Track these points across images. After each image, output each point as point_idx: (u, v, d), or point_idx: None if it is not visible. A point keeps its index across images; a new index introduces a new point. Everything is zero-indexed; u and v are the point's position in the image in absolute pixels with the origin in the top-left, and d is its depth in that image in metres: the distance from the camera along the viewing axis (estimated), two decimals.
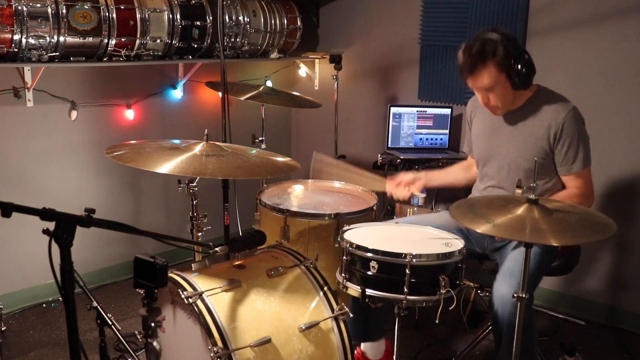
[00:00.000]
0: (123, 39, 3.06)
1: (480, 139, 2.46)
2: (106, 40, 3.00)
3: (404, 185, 2.51)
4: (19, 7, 2.67)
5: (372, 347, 2.52)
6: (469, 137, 2.58)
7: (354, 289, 1.99)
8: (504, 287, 2.06)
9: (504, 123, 2.35)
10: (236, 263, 2.08)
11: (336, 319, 1.98)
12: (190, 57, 3.51)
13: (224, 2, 3.32)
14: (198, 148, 2.14)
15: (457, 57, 2.24)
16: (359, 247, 1.97)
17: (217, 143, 2.25)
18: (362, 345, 2.53)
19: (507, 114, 2.33)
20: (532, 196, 1.74)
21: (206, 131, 2.26)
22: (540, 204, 1.74)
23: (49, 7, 2.76)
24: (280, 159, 2.32)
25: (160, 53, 3.31)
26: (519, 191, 1.81)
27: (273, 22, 3.85)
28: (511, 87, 2.19)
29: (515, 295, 1.78)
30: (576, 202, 2.20)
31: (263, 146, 3.55)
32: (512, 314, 1.95)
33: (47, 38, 2.80)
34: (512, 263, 2.15)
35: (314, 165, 2.66)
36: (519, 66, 2.14)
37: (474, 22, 3.46)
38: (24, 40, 2.73)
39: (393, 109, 3.68)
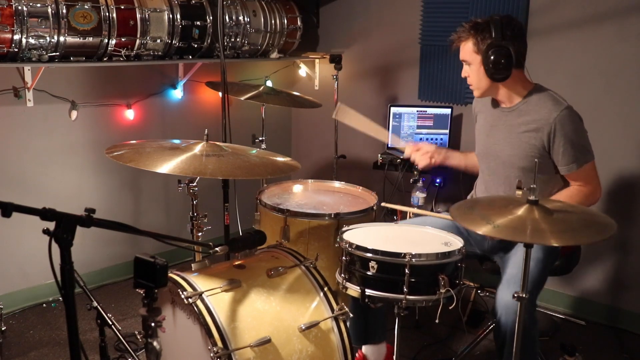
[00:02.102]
0: (123, 39, 3.06)
1: (481, 135, 2.47)
2: (106, 40, 3.00)
3: (426, 152, 2.50)
4: (19, 7, 2.67)
5: (374, 351, 2.51)
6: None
7: (353, 289, 1.99)
8: (508, 295, 2.04)
9: (501, 120, 2.36)
10: (236, 263, 2.08)
11: (336, 319, 1.98)
12: (190, 57, 3.51)
13: (224, 2, 3.32)
14: (198, 148, 2.14)
15: None
16: (358, 247, 1.97)
17: (217, 143, 2.25)
18: (364, 348, 2.52)
19: (504, 111, 2.34)
20: (532, 197, 1.74)
21: (206, 131, 2.26)
22: (541, 204, 1.74)
23: (49, 7, 2.76)
24: (280, 159, 2.32)
25: (160, 53, 3.31)
26: (519, 192, 1.81)
27: (273, 22, 3.85)
28: (485, 72, 2.22)
29: (515, 295, 1.77)
30: (579, 199, 2.20)
31: (263, 146, 3.55)
32: (516, 321, 1.95)
33: (47, 38, 2.80)
34: (515, 270, 2.14)
35: (336, 116, 2.64)
36: (493, 57, 2.17)
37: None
38: (24, 40, 2.73)
39: (393, 109, 3.68)
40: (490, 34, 2.18)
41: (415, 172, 3.28)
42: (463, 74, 2.34)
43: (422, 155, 2.51)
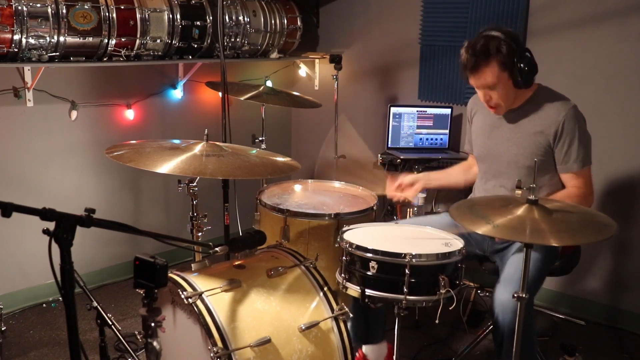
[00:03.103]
0: (123, 39, 3.06)
1: (480, 137, 2.46)
2: (106, 40, 3.00)
3: (403, 188, 2.52)
4: (19, 7, 2.67)
5: (374, 350, 2.51)
6: (470, 136, 2.58)
7: (353, 289, 1.99)
8: (505, 294, 2.05)
9: (504, 121, 2.35)
10: (236, 263, 2.08)
11: (336, 319, 1.98)
12: (190, 57, 3.51)
13: (224, 2, 3.32)
14: (198, 148, 2.14)
15: (460, 55, 2.23)
16: (358, 248, 1.97)
17: (217, 143, 2.25)
18: (364, 347, 2.52)
19: (508, 112, 2.34)
20: (532, 197, 1.74)
21: (206, 131, 2.26)
22: (540, 204, 1.74)
23: (49, 7, 2.76)
24: (280, 159, 2.32)
25: (160, 53, 3.31)
26: (518, 192, 1.81)
27: (273, 22, 3.85)
28: (513, 85, 2.19)
29: (515, 295, 1.77)
30: (575, 202, 2.19)
31: (263, 146, 3.55)
32: (513, 320, 1.95)
33: (47, 38, 2.80)
34: (513, 270, 2.14)
35: (317, 169, 2.65)
36: (522, 65, 2.14)
37: (474, 22, 3.46)
38: (24, 40, 2.73)
39: (393, 109, 3.68)
40: (510, 46, 2.13)
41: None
42: (484, 99, 2.26)
43: (398, 191, 2.51)
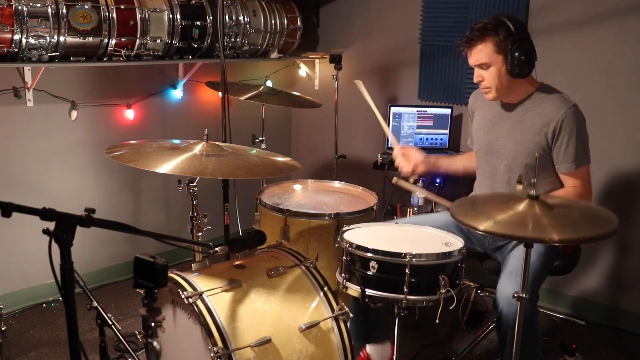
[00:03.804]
0: (123, 39, 3.06)
1: (480, 132, 2.46)
2: (106, 40, 3.00)
3: (412, 161, 2.47)
4: (19, 7, 2.67)
5: (378, 350, 2.51)
6: (471, 131, 2.58)
7: (353, 289, 1.99)
8: (509, 287, 2.04)
9: (504, 117, 2.35)
10: (236, 263, 2.08)
11: (336, 319, 1.98)
12: (190, 57, 3.51)
13: (224, 2, 3.32)
14: (198, 148, 2.14)
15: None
16: (358, 247, 1.97)
17: (217, 143, 2.25)
18: (368, 347, 2.52)
19: (508, 107, 2.33)
20: (532, 192, 1.73)
21: (206, 131, 2.26)
22: (541, 199, 1.73)
23: (49, 7, 2.76)
24: (280, 159, 2.32)
25: (160, 53, 3.31)
26: (519, 187, 1.81)
27: (273, 22, 3.85)
28: (507, 72, 2.19)
29: (515, 295, 1.77)
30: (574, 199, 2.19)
31: (263, 146, 3.55)
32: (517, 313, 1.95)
33: (47, 38, 2.79)
34: (517, 262, 2.14)
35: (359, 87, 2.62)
36: (518, 52, 2.14)
37: (474, 22, 3.44)
38: (24, 40, 2.73)
39: (393, 109, 3.68)
40: (510, 31, 2.14)
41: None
42: (476, 79, 2.28)
43: (406, 162, 2.48)
